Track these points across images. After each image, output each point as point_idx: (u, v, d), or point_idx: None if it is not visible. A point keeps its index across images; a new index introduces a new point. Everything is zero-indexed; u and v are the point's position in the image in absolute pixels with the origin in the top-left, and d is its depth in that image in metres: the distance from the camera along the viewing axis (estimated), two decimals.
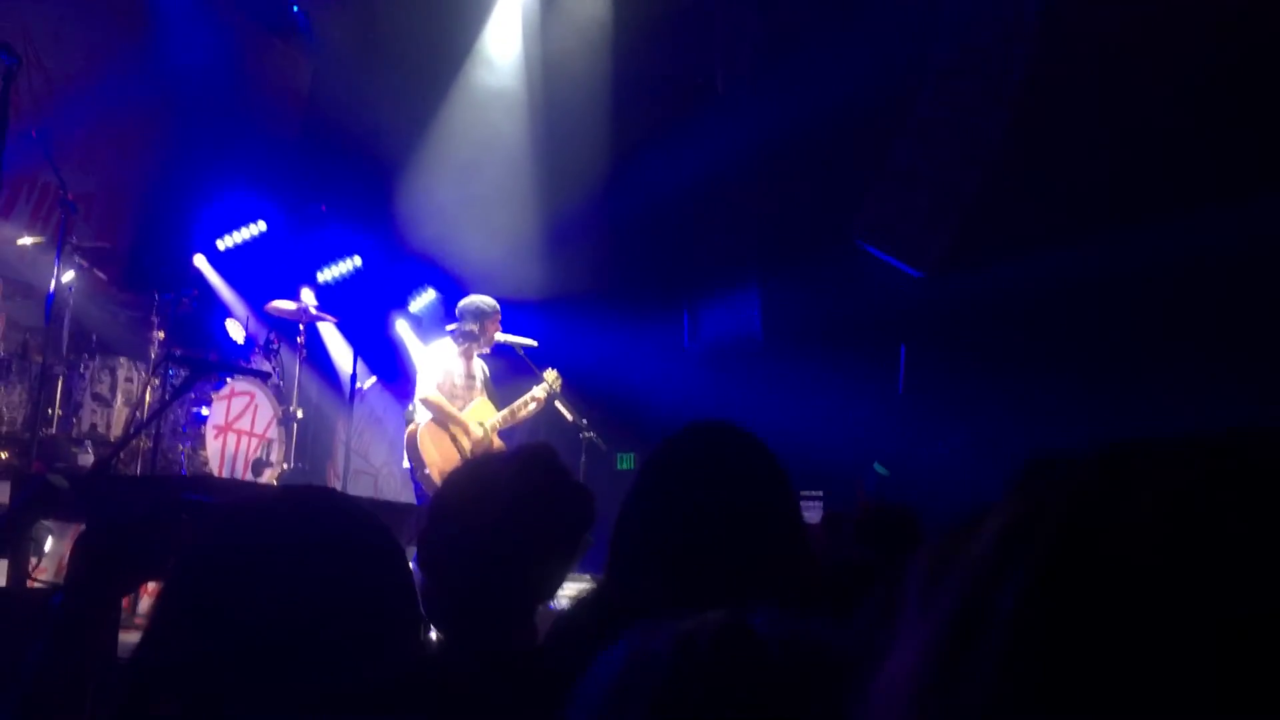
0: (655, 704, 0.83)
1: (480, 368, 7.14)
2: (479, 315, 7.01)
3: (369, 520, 1.34)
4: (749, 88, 9.54)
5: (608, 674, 0.87)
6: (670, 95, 9.91)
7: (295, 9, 10.30)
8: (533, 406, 7.13)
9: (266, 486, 7.11)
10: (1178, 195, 6.96)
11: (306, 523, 1.31)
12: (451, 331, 7.09)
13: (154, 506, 1.62)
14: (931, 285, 8.32)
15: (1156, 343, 7.09)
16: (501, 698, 1.57)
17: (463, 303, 7.15)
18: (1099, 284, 7.25)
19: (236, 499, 1.44)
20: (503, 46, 10.33)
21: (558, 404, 7.21)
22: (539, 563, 1.89)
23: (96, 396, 7.32)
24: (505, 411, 7.06)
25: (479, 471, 2.05)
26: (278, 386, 8.13)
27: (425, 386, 6.88)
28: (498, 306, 7.12)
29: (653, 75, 9.89)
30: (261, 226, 10.05)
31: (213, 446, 7.52)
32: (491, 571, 1.83)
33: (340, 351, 9.88)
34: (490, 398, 7.13)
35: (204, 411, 7.59)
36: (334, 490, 1.47)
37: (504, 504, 1.86)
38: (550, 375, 7.16)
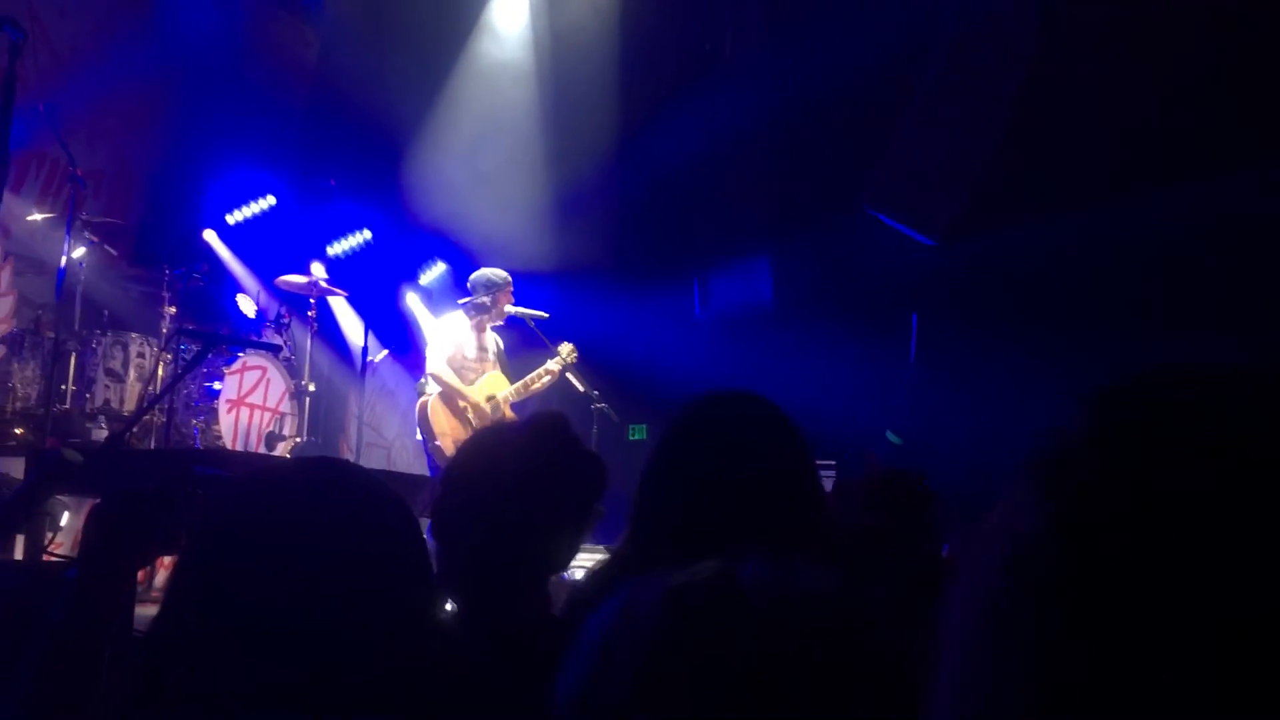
0: (642, 657, 0.83)
1: (493, 340, 7.15)
2: (491, 287, 7.01)
3: (382, 491, 1.34)
4: (758, 55, 9.47)
5: (598, 629, 0.87)
6: (678, 64, 9.85)
7: None
8: (546, 379, 7.14)
9: (280, 459, 7.13)
10: (1194, 158, 6.90)
11: (320, 494, 1.31)
12: (463, 304, 7.10)
13: (166, 480, 1.63)
14: (943, 253, 8.27)
15: (1172, 309, 7.05)
16: (514, 667, 1.58)
17: (474, 275, 7.15)
18: (1114, 250, 7.21)
19: (250, 471, 1.44)
20: (510, 17, 10.28)
21: (569, 375, 7.21)
22: (550, 531, 1.89)
23: (109, 372, 7.34)
24: (519, 384, 7.07)
25: (491, 440, 2.05)
26: (289, 360, 8.14)
27: (434, 361, 6.89)
28: (509, 279, 7.12)
29: (661, 44, 9.83)
30: (271, 201, 10.04)
31: (226, 421, 7.55)
32: (503, 539, 1.83)
33: (351, 325, 9.89)
34: (503, 370, 7.14)
35: (216, 386, 7.62)
36: (347, 461, 1.47)
37: (515, 472, 1.86)
38: (565, 349, 7.16)
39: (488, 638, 1.74)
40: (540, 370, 7.12)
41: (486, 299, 6.99)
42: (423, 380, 7.05)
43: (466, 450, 2.00)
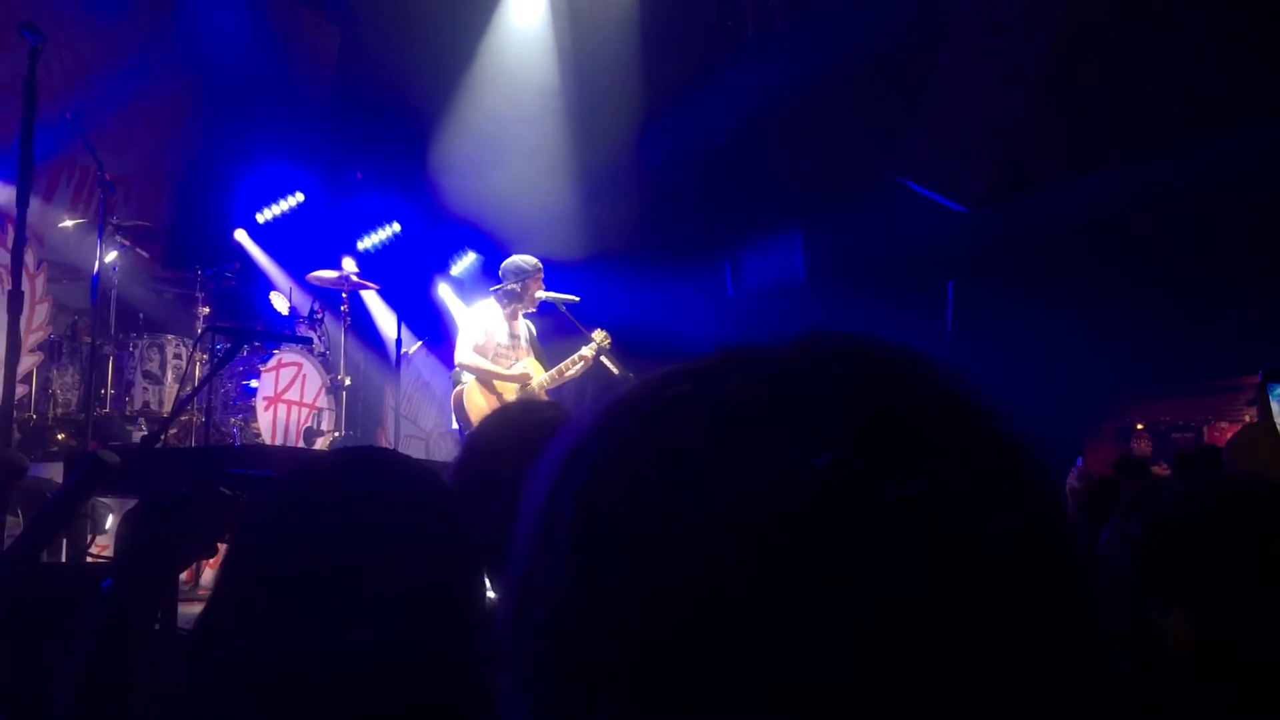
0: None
1: (526, 327, 7.12)
2: (521, 274, 6.98)
3: (421, 471, 1.36)
4: (780, 30, 9.38)
5: None
6: (701, 43, 9.78)
7: None
8: (580, 365, 7.10)
9: (318, 452, 7.15)
10: (1230, 112, 6.76)
11: (361, 479, 1.32)
12: (494, 291, 7.07)
13: (200, 482, 1.60)
14: (976, 220, 8.17)
15: (1214, 266, 6.92)
16: None
17: (505, 263, 7.13)
18: (1149, 207, 7.08)
19: (289, 465, 1.44)
20: (529, 3, 10.22)
21: (604, 360, 7.17)
22: None
23: (147, 374, 7.39)
24: (553, 371, 7.04)
25: (517, 412, 2.03)
26: (324, 355, 8.16)
27: (462, 351, 6.87)
28: (540, 265, 7.08)
29: (682, 23, 9.76)
30: (299, 198, 10.06)
31: (264, 418, 7.57)
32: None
33: (384, 318, 9.91)
34: (537, 357, 7.11)
35: (253, 384, 7.64)
36: (383, 448, 1.49)
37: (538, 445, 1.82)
38: (599, 335, 7.11)
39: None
40: (574, 356, 7.08)
41: (517, 286, 6.96)
42: (456, 370, 7.04)
43: (491, 421, 1.97)
